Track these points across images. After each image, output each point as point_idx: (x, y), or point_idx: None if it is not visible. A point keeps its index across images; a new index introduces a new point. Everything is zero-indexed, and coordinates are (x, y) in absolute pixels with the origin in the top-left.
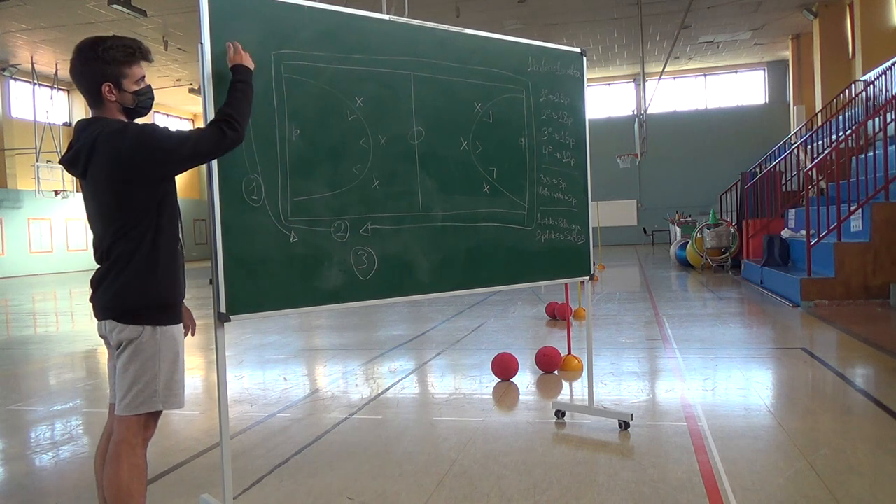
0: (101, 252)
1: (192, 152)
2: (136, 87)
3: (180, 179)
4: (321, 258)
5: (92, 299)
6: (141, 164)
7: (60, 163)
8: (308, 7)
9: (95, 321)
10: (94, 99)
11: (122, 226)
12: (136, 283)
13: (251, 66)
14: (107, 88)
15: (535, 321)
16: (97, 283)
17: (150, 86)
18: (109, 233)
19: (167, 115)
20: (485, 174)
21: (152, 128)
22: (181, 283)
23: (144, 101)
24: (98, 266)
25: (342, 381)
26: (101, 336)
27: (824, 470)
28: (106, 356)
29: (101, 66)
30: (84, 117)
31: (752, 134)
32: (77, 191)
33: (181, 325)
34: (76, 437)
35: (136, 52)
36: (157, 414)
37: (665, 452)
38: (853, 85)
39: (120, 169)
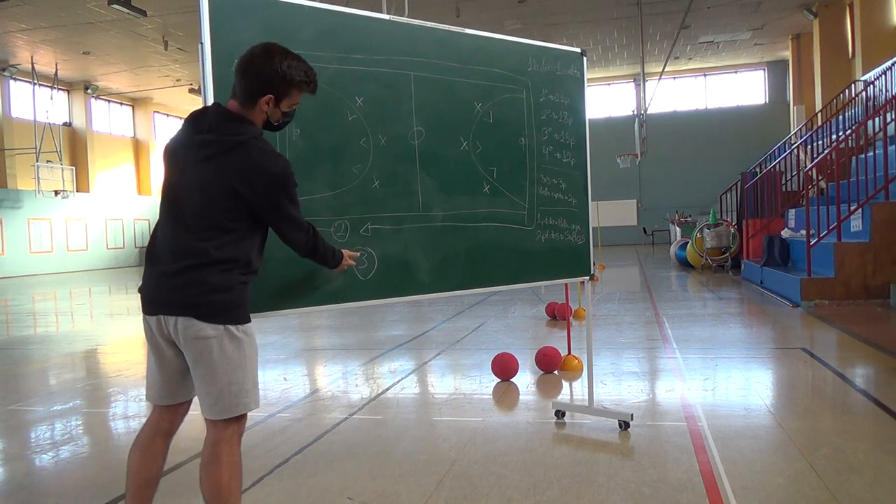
0: (181, 239)
1: (290, 223)
2: (287, 109)
3: None
4: None
5: (156, 290)
6: (262, 196)
7: (189, 134)
8: (308, 7)
9: (146, 315)
10: (249, 99)
11: (218, 224)
12: (220, 280)
13: (343, 266)
14: (266, 98)
15: (535, 321)
16: (171, 276)
17: (295, 111)
18: (201, 226)
19: (167, 115)
20: (485, 174)
21: (293, 181)
22: (249, 287)
23: (285, 123)
24: (159, 243)
25: (342, 381)
26: (153, 332)
27: (824, 470)
28: (145, 352)
29: (277, 77)
30: (221, 104)
31: (752, 134)
32: (77, 191)
33: (248, 325)
34: (76, 437)
35: (310, 83)
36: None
37: (665, 452)
38: (853, 85)
39: (247, 185)
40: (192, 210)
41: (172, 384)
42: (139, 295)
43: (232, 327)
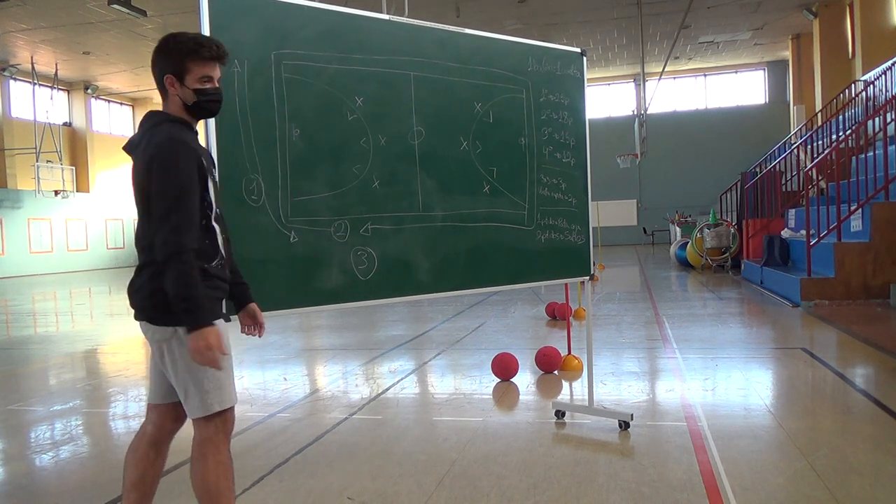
0: (138, 246)
1: (157, 210)
2: (198, 85)
3: None
4: (321, 258)
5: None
6: (142, 179)
7: (123, 148)
8: (308, 7)
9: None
10: (160, 89)
11: (149, 225)
12: (160, 283)
13: (210, 349)
14: (168, 80)
15: (535, 321)
16: (131, 282)
17: (217, 88)
18: (142, 228)
19: None
20: (485, 174)
21: (168, 163)
22: (212, 281)
23: (206, 102)
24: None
25: (342, 381)
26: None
27: (824, 470)
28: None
29: (166, 57)
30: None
31: (752, 134)
32: (77, 191)
33: (217, 322)
34: (76, 437)
35: (202, 49)
36: (227, 409)
37: (665, 452)
38: (853, 85)
39: (139, 173)
40: (138, 214)
41: (159, 382)
42: None
43: (181, 329)
